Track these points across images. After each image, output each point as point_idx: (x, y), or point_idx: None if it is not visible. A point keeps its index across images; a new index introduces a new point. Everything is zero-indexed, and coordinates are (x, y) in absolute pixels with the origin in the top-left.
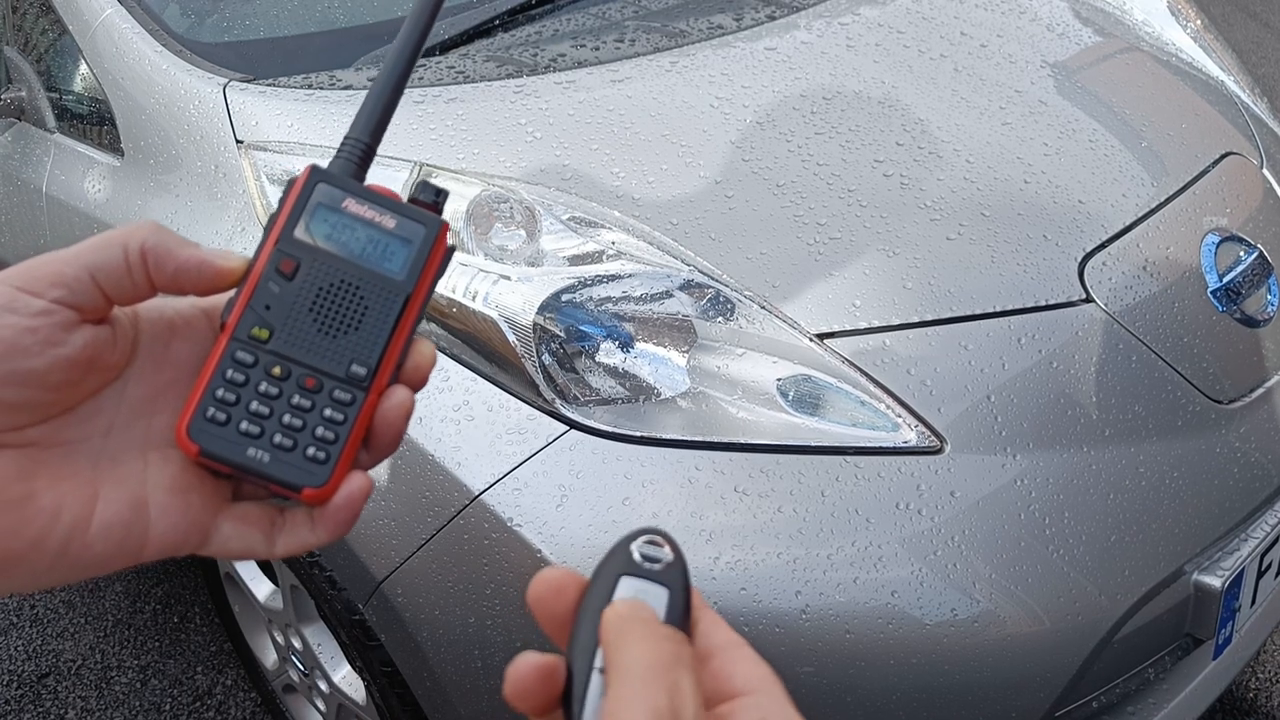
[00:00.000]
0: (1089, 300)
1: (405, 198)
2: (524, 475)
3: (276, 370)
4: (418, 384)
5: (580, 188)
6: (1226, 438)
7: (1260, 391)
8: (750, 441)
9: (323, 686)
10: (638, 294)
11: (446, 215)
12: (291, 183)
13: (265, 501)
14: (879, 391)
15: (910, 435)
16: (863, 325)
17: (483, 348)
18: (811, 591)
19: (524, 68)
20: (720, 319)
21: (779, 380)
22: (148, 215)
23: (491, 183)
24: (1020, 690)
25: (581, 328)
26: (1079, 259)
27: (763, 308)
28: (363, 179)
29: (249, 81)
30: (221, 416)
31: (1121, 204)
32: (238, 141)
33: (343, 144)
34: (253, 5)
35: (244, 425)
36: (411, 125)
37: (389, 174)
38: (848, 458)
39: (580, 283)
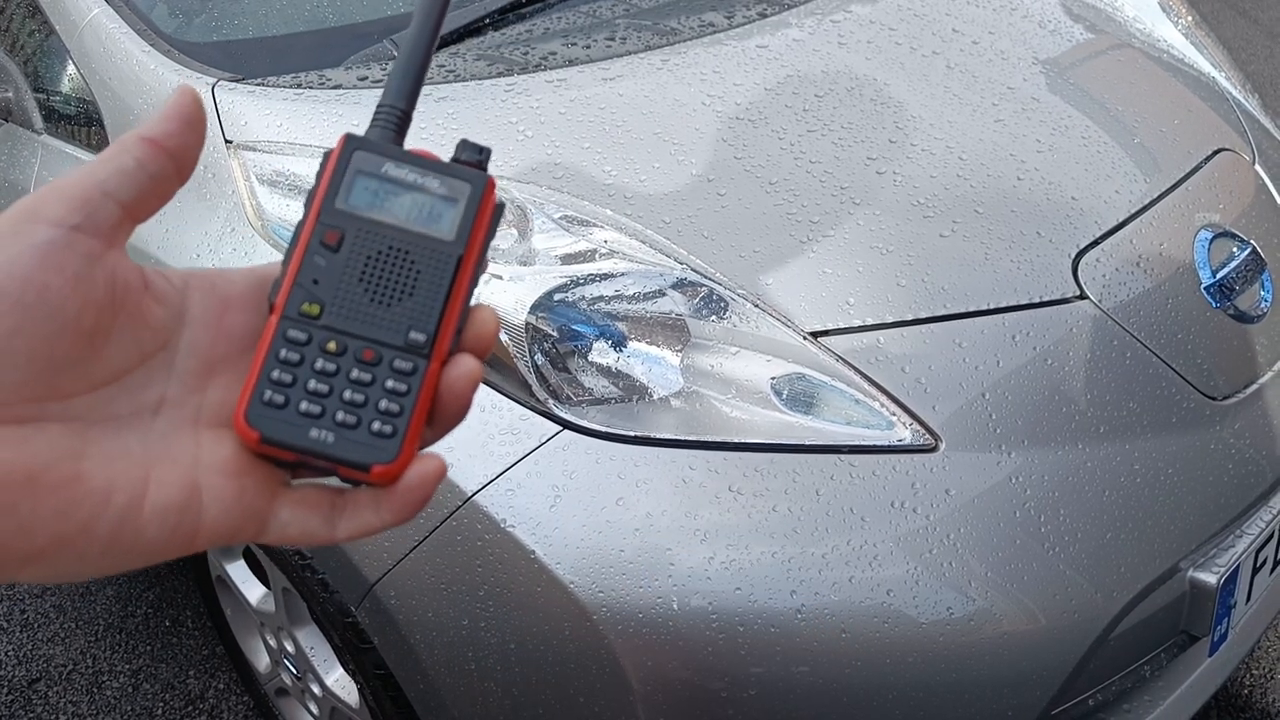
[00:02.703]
0: (1083, 297)
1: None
2: (517, 476)
3: (332, 345)
4: (482, 351)
5: (572, 186)
6: (1221, 434)
7: (1254, 388)
8: (744, 440)
9: (315, 690)
10: (630, 293)
11: None
12: (328, 155)
13: (322, 482)
14: (873, 389)
15: (905, 433)
16: (856, 323)
17: None
18: (806, 591)
19: (515, 66)
20: (713, 317)
21: (773, 379)
22: None
23: None
24: (1016, 688)
25: (574, 327)
26: (1072, 256)
27: (756, 306)
28: (401, 145)
29: (238, 81)
30: (279, 399)
31: (1114, 200)
32: (226, 141)
33: (377, 112)
34: (241, 4)
35: (304, 406)
36: None
37: None
38: (842, 456)
39: (572, 282)
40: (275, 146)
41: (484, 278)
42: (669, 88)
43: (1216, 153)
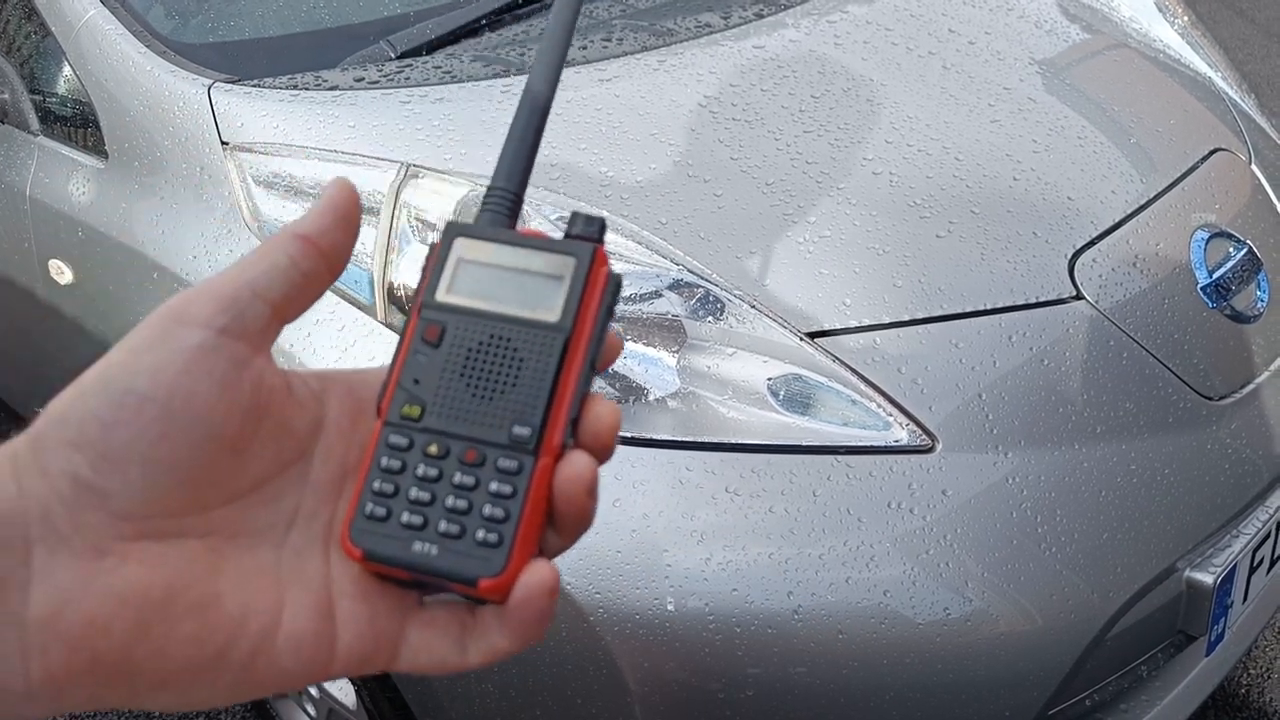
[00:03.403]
0: (1079, 297)
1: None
2: None
3: (433, 449)
4: (601, 450)
5: (568, 187)
6: (1217, 434)
7: (1250, 387)
8: (741, 441)
9: (313, 691)
10: (627, 294)
11: (435, 216)
12: (432, 246)
13: (453, 601)
14: (870, 390)
15: (901, 434)
16: (853, 324)
17: None
18: (803, 592)
19: (511, 67)
20: (710, 318)
21: (769, 380)
22: (133, 218)
23: (479, 183)
24: (1013, 689)
25: None
26: (1069, 256)
27: (753, 307)
28: (511, 227)
29: (234, 82)
30: (381, 512)
31: (1111, 200)
32: (223, 143)
33: (486, 195)
34: (237, 5)
35: (405, 517)
36: (398, 125)
37: (374, 175)
38: (839, 457)
39: None
40: (271, 148)
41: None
42: (665, 89)
43: (1213, 153)
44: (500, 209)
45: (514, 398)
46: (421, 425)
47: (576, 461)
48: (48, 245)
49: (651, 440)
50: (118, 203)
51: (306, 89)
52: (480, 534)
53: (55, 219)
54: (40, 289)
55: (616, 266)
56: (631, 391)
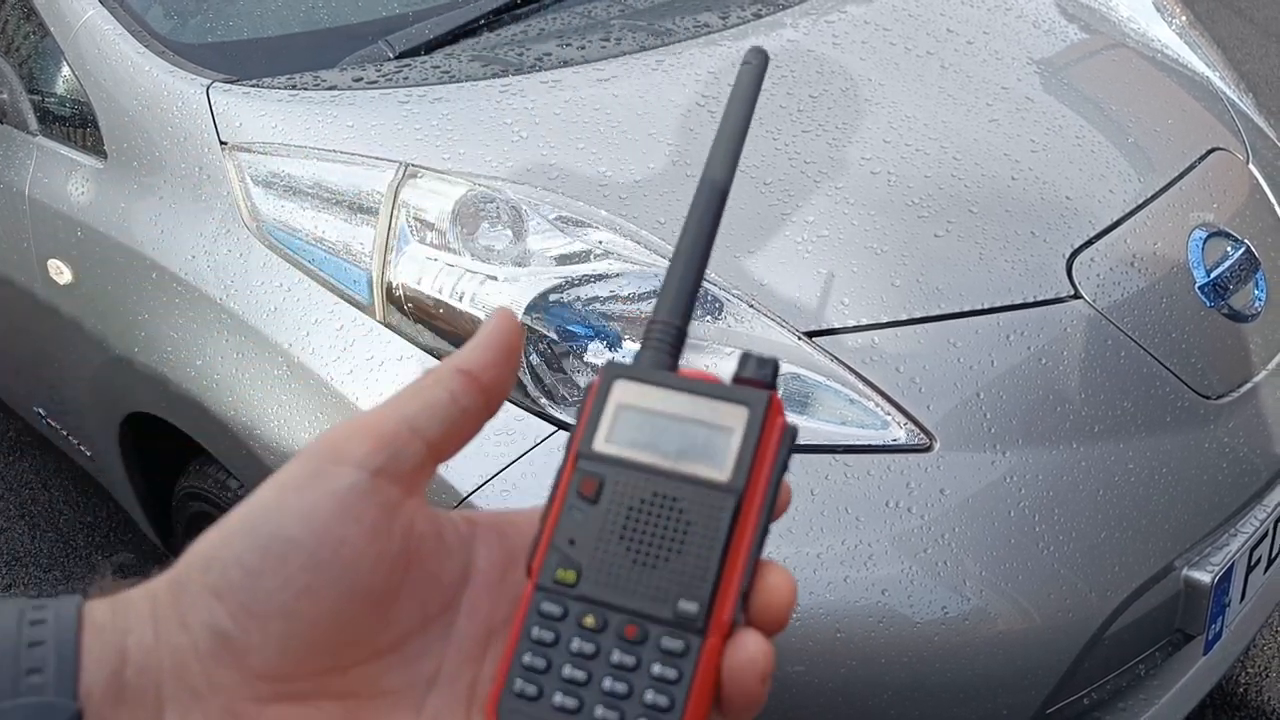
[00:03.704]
0: (1077, 296)
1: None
2: (512, 476)
3: (589, 620)
4: (772, 626)
5: (567, 187)
6: (1215, 433)
7: (1248, 386)
8: None
9: None
10: (625, 293)
11: (434, 215)
12: (588, 388)
13: None
14: (868, 389)
15: (899, 433)
16: (851, 323)
17: None
18: (801, 590)
19: (510, 67)
20: (708, 318)
21: None
22: (131, 218)
23: (478, 183)
24: (1012, 687)
25: (569, 328)
26: (1066, 255)
27: (751, 306)
28: (674, 367)
29: (232, 82)
30: (531, 690)
31: (1109, 200)
32: (221, 143)
33: (646, 331)
34: (236, 5)
35: (558, 699)
36: (397, 125)
37: (373, 174)
38: (837, 456)
39: (567, 282)
40: (270, 148)
41: (479, 279)
42: (664, 88)
43: (1210, 152)
44: (663, 347)
45: (680, 567)
46: (577, 593)
47: (749, 644)
48: (46, 245)
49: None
50: (116, 202)
51: (305, 89)
52: None
53: (54, 219)
54: (39, 289)
55: (613, 267)
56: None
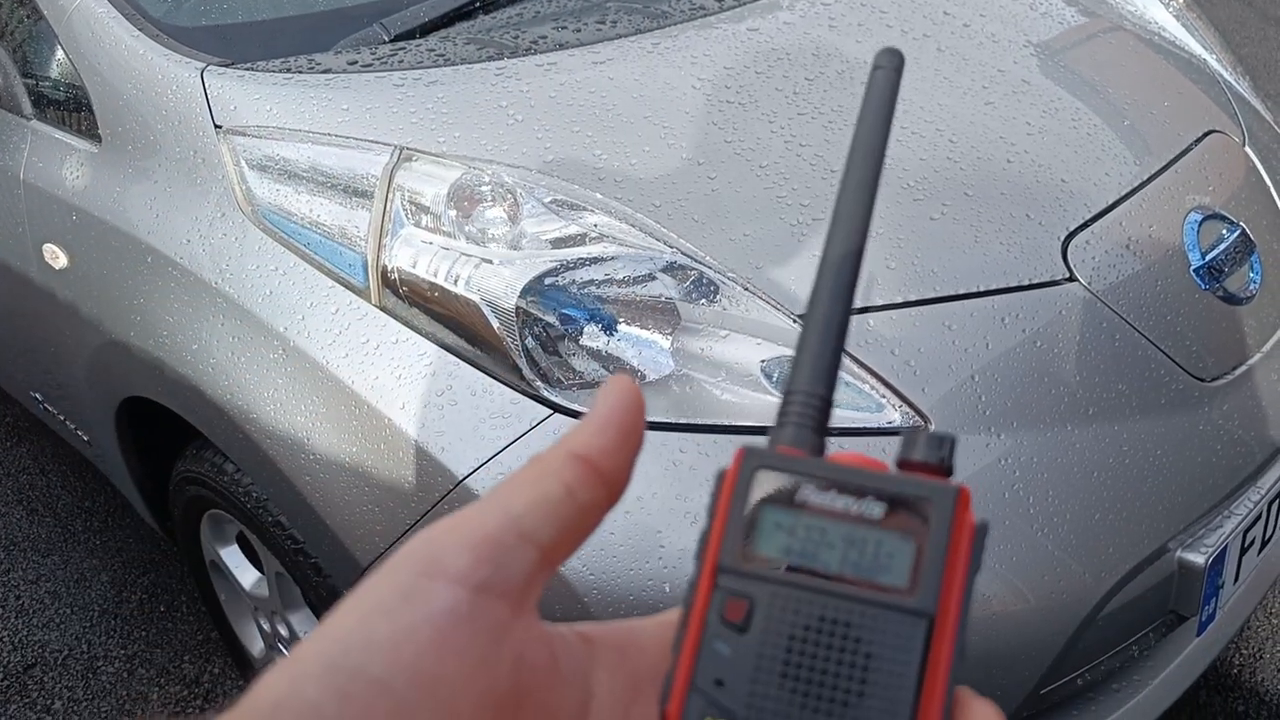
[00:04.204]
0: (1072, 279)
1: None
2: (508, 460)
3: None
4: None
5: (562, 170)
6: (1209, 415)
7: (1243, 369)
8: (735, 423)
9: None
10: (620, 276)
11: (429, 199)
12: (721, 478)
13: None
14: (863, 372)
15: (894, 415)
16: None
17: (465, 332)
18: None
19: (505, 50)
20: (703, 301)
21: (763, 362)
22: (126, 202)
23: (473, 166)
24: (1006, 668)
25: (564, 311)
26: (1062, 238)
27: (746, 289)
28: (822, 449)
29: (227, 66)
30: None
31: (1104, 183)
32: (216, 126)
33: (784, 403)
34: None
35: None
36: (392, 109)
37: (368, 158)
38: (832, 439)
39: (563, 265)
40: (265, 131)
41: (474, 262)
42: (659, 71)
43: (1207, 135)
44: (806, 422)
45: (863, 714)
46: None
47: None
48: (41, 230)
49: (645, 422)
50: (111, 187)
51: (300, 72)
52: None
53: (49, 203)
54: (35, 274)
55: (608, 250)
56: (625, 374)
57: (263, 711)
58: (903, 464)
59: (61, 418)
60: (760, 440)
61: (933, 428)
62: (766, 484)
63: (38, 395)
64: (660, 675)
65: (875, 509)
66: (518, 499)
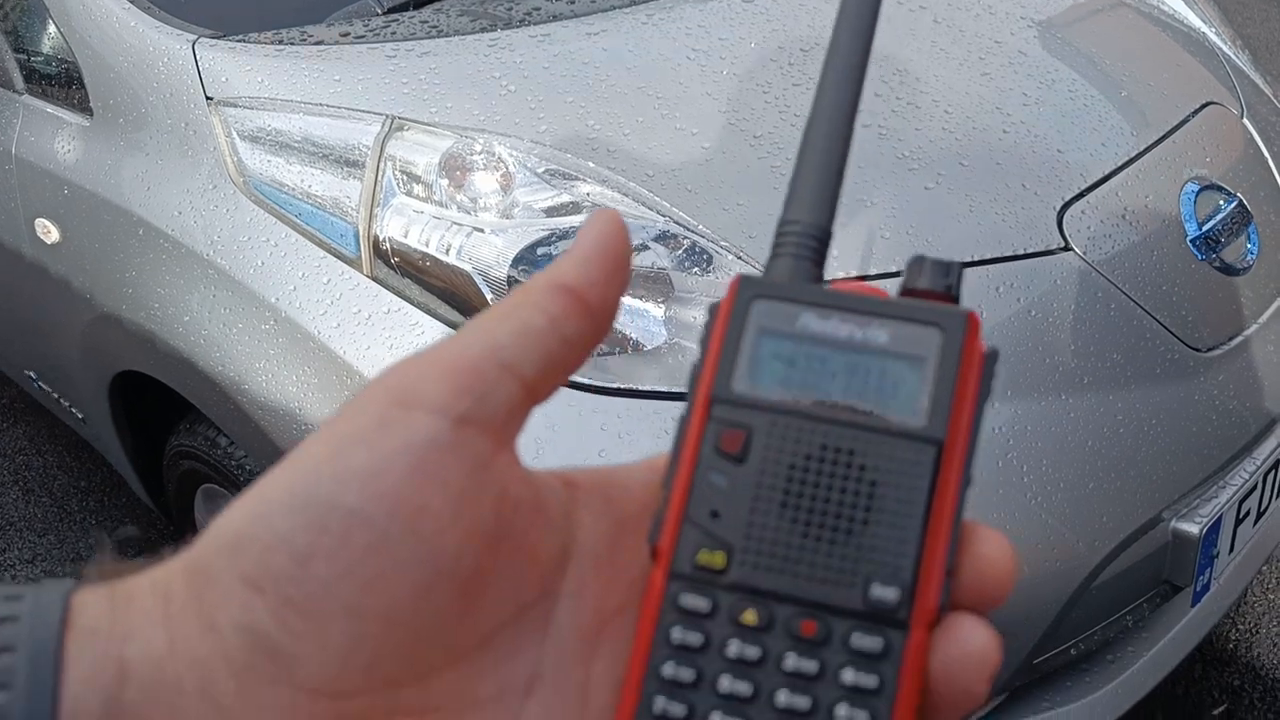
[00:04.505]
0: (1067, 249)
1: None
2: None
3: (749, 616)
4: (987, 606)
5: (555, 140)
6: (1205, 385)
7: (1238, 339)
8: None
9: None
10: None
11: (421, 168)
12: (714, 310)
13: None
14: None
15: None
16: (840, 275)
17: (457, 301)
18: None
19: (498, 21)
20: (697, 270)
21: None
22: (118, 175)
23: (465, 135)
24: (1002, 635)
25: None
26: (1058, 208)
27: (739, 259)
28: (820, 278)
29: (218, 38)
30: (678, 711)
31: (1101, 153)
32: (208, 98)
33: (780, 233)
34: None
35: (716, 719)
36: (384, 80)
37: (359, 128)
38: None
39: (555, 235)
40: (257, 103)
41: (466, 231)
42: (654, 42)
43: (1204, 106)
44: (804, 253)
45: (868, 541)
46: (729, 580)
47: (972, 635)
48: (34, 204)
49: (638, 391)
50: (103, 160)
51: (292, 44)
52: None
53: (41, 178)
54: (27, 248)
55: None
56: (618, 343)
57: (225, 545)
58: (907, 293)
59: (56, 395)
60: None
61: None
62: (764, 313)
63: (32, 373)
64: (647, 516)
65: (880, 335)
66: (499, 329)
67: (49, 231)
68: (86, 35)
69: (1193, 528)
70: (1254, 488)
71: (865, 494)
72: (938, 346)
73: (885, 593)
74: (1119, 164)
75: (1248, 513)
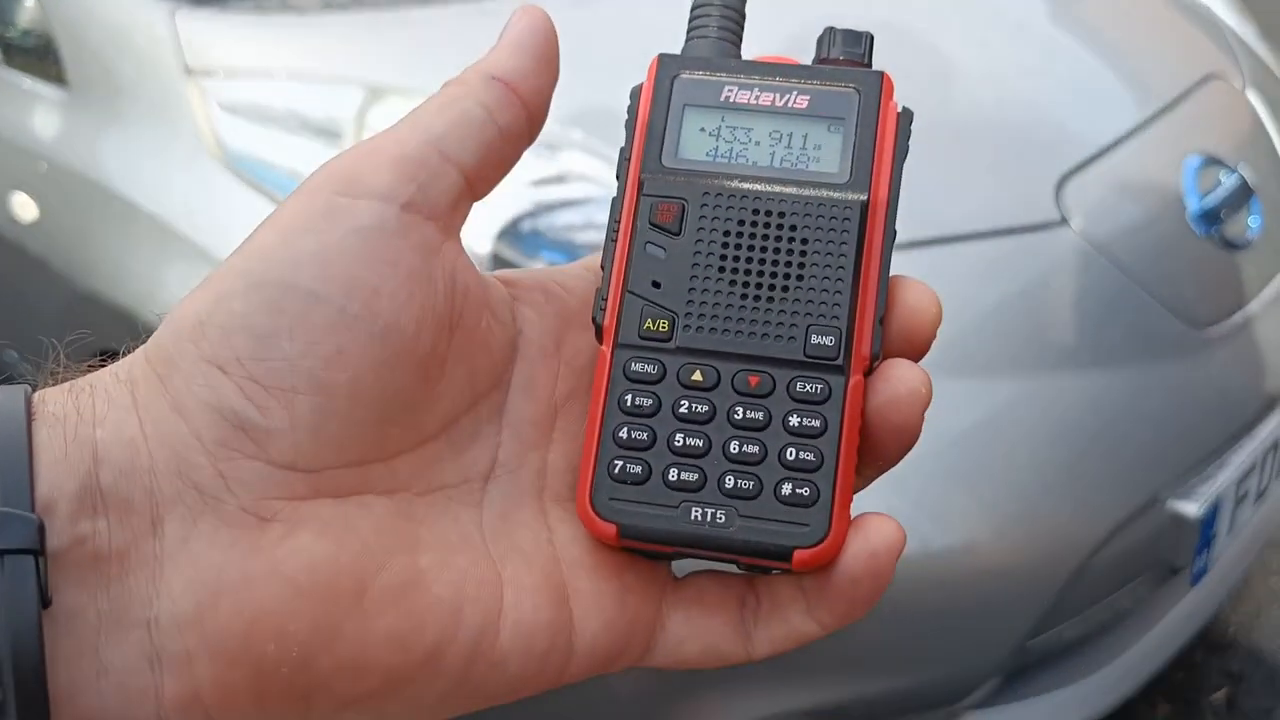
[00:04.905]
0: (1065, 223)
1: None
2: None
3: (696, 377)
4: (917, 349)
5: None
6: (1204, 363)
7: (1240, 316)
8: None
9: None
10: (602, 220)
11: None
12: (636, 93)
13: (723, 571)
14: None
15: None
16: None
17: None
18: None
19: None
20: None
21: None
22: (98, 148)
23: None
24: (995, 619)
25: (541, 254)
26: (1056, 181)
27: None
28: (738, 53)
29: (197, 6)
30: (636, 470)
31: (1100, 125)
32: (186, 69)
33: (693, 15)
34: None
35: (673, 475)
36: (364, 49)
37: (339, 98)
38: None
39: (540, 207)
40: (236, 73)
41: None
42: (642, 11)
43: (1207, 79)
44: (724, 32)
45: (803, 296)
46: (675, 345)
47: (906, 375)
48: (10, 179)
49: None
50: (80, 134)
51: (271, 12)
52: (786, 488)
53: (17, 154)
54: (3, 225)
55: (587, 190)
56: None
57: (185, 332)
58: (822, 61)
59: (37, 376)
60: None
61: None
62: (688, 88)
63: (14, 354)
64: (586, 312)
65: (801, 100)
66: (437, 120)
67: (26, 207)
68: (61, 4)
69: (1190, 508)
70: (1253, 467)
71: (798, 252)
72: (856, 107)
73: (824, 340)
74: (1119, 136)
75: (1246, 493)
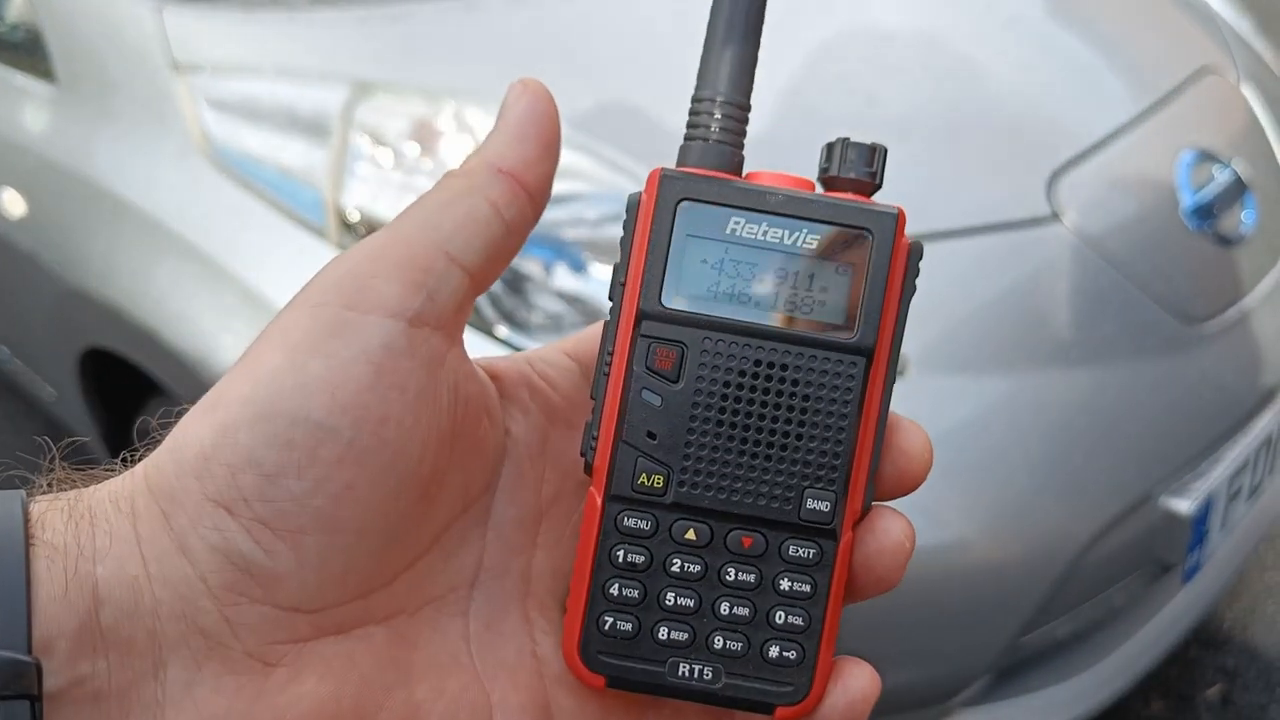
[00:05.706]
0: (1057, 218)
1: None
2: None
3: (690, 535)
4: (908, 489)
5: None
6: (1198, 360)
7: (1233, 311)
8: None
9: None
10: (591, 216)
11: (391, 134)
12: (634, 206)
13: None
14: None
15: None
16: None
17: None
18: None
19: None
20: None
21: None
22: (87, 144)
23: (434, 100)
24: (988, 615)
25: (532, 250)
26: (1048, 176)
27: None
28: (741, 162)
29: (184, 1)
30: (627, 627)
31: (1094, 120)
32: (174, 64)
33: (694, 113)
34: None
35: (663, 633)
36: (354, 45)
37: (327, 95)
38: None
39: None
40: (224, 68)
41: None
42: (633, 8)
43: (1202, 73)
44: (725, 135)
45: (800, 456)
46: (669, 501)
47: (892, 529)
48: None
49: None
50: (68, 129)
51: (259, 8)
52: (774, 650)
53: (4, 148)
54: None
55: (578, 187)
56: (595, 316)
57: (189, 465)
58: (830, 181)
59: (27, 373)
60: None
61: (913, 373)
62: (691, 217)
63: (5, 350)
64: (570, 409)
65: (811, 241)
66: (444, 218)
67: (16, 203)
68: (51, 1)
69: (1183, 505)
70: (1246, 463)
71: (799, 409)
72: (868, 252)
73: (819, 505)
74: (1112, 131)
75: (1239, 489)
